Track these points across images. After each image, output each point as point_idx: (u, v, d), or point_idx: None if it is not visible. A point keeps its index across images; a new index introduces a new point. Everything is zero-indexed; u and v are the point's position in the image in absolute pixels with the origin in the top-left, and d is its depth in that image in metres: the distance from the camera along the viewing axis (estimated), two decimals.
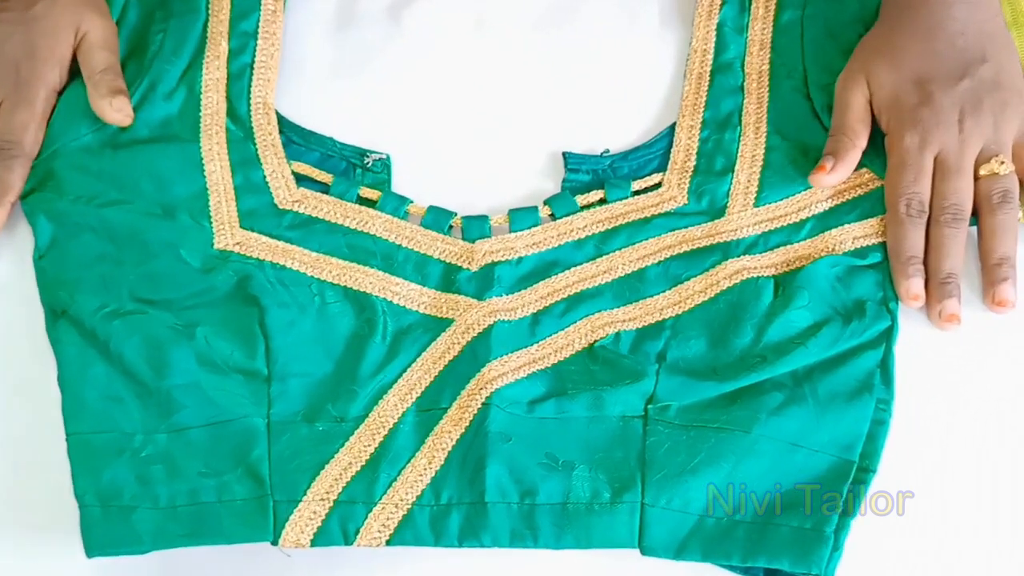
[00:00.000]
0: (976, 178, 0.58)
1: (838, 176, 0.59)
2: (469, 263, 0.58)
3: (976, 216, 0.58)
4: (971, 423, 0.56)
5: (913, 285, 0.56)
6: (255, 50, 0.65)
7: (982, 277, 0.57)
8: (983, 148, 0.58)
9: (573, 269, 0.58)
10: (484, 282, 0.58)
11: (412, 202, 0.60)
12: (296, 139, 0.63)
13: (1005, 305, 0.56)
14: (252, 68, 0.64)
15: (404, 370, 0.56)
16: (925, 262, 0.57)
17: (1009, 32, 0.61)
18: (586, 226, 0.59)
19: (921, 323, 0.57)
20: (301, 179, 0.61)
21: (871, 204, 0.59)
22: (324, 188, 0.61)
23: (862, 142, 0.59)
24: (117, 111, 0.61)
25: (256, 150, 0.62)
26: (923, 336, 0.57)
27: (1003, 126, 0.58)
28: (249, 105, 0.63)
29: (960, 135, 0.58)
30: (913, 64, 0.59)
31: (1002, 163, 0.58)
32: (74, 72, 0.63)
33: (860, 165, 0.60)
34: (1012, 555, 0.53)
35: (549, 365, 0.56)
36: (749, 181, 0.60)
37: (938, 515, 0.54)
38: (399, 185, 0.62)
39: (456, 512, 0.53)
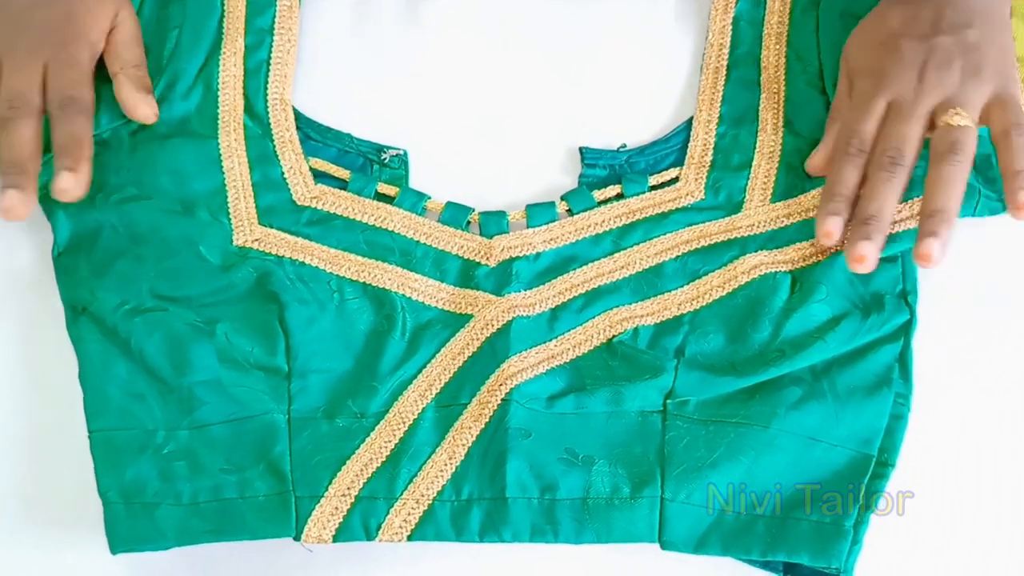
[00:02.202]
0: (933, 129, 0.56)
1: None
2: (487, 259, 0.58)
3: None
4: (971, 424, 0.56)
5: (828, 222, 0.54)
6: (271, 46, 0.65)
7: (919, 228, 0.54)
8: (943, 100, 0.56)
9: (591, 264, 0.58)
10: (502, 278, 0.58)
11: (430, 198, 0.60)
12: (313, 135, 0.63)
13: (926, 261, 0.52)
14: (269, 64, 0.64)
15: (424, 366, 0.56)
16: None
17: (1010, 22, 0.59)
18: (603, 221, 0.59)
19: (926, 322, 0.57)
20: (319, 175, 0.61)
21: None
22: (342, 184, 0.61)
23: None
24: (149, 107, 0.61)
25: (274, 146, 0.62)
26: (925, 336, 0.57)
27: (971, 86, 0.56)
28: (266, 101, 0.63)
29: (918, 84, 0.56)
30: (889, 26, 0.58)
31: (958, 115, 0.55)
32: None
33: None
34: (1012, 556, 0.54)
35: (567, 360, 0.56)
36: (766, 176, 0.60)
37: (938, 515, 0.54)
38: (416, 180, 0.62)
39: (477, 507, 0.53)
